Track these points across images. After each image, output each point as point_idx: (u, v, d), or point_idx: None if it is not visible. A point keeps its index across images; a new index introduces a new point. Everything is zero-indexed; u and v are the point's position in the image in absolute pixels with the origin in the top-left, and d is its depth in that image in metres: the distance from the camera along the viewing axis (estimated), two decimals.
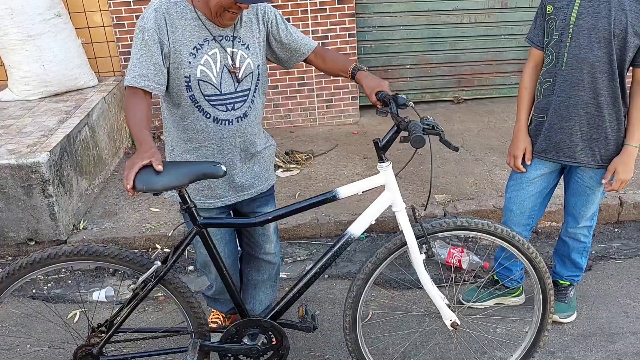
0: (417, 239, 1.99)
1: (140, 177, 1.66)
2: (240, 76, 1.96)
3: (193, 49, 1.89)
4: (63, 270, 3.23)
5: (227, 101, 1.97)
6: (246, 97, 2.00)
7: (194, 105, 1.95)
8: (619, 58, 2.14)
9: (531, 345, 2.20)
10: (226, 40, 1.93)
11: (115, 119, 4.49)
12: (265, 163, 2.21)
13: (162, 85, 1.87)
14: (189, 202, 1.85)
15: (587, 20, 2.12)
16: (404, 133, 1.88)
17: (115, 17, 4.64)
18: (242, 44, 1.96)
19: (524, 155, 2.43)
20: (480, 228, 2.03)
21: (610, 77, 2.16)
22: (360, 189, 1.96)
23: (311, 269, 2.01)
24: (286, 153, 4.42)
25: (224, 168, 1.80)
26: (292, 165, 4.27)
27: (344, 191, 1.94)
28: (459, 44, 5.25)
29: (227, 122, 1.99)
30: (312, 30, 4.81)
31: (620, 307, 2.75)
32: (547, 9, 2.23)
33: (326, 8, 4.75)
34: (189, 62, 1.88)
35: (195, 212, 1.86)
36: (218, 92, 1.94)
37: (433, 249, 2.02)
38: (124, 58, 4.75)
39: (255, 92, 2.03)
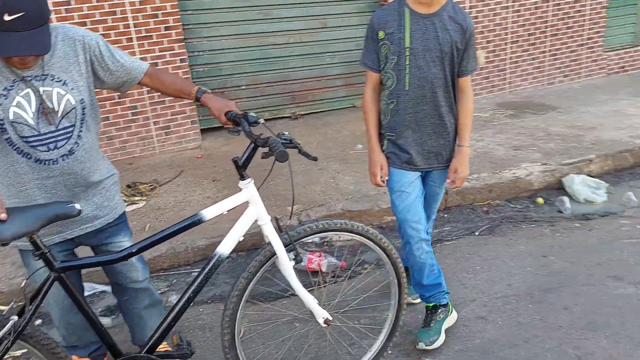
0: (285, 247, 2.08)
1: None
2: (59, 115, 1.87)
3: (3, 90, 1.79)
4: None
5: (48, 141, 1.88)
6: (70, 134, 1.92)
7: (12, 147, 1.85)
8: (450, 72, 2.36)
9: (393, 327, 2.42)
10: (36, 80, 1.83)
11: None
12: (108, 193, 2.12)
13: None
14: (43, 247, 1.73)
15: (420, 43, 2.28)
16: (262, 150, 1.95)
17: None
18: (56, 81, 1.87)
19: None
20: (340, 227, 2.19)
21: (445, 89, 2.38)
22: (225, 208, 1.98)
23: (183, 295, 1.98)
24: (128, 186, 4.26)
25: (77, 207, 1.72)
26: (136, 198, 4.12)
27: (209, 213, 1.94)
28: (289, 63, 5.52)
29: (51, 161, 1.90)
30: (140, 59, 4.71)
31: (459, 281, 3.14)
32: (379, 35, 2.32)
33: (152, 35, 4.70)
34: (0, 105, 1.78)
35: (51, 257, 1.75)
36: (36, 133, 1.86)
37: (301, 254, 2.12)
38: None
39: (81, 127, 1.95)
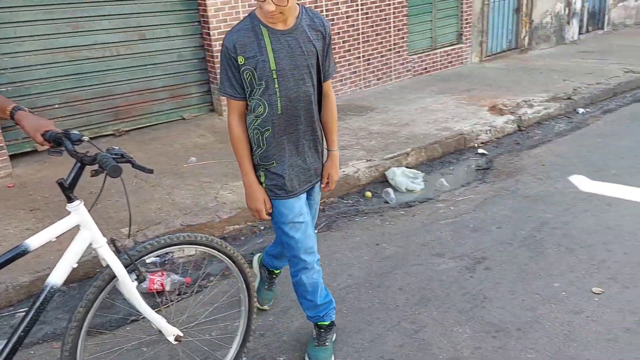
0: (125, 267, 1.97)
1: None
2: None
3: None
4: None
5: None
6: None
7: None
8: (317, 82, 2.26)
9: (245, 333, 2.42)
10: None
11: None
12: None
13: None
14: None
15: (287, 63, 2.12)
16: (91, 167, 1.83)
17: None
18: None
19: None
20: (183, 240, 2.14)
21: (317, 102, 2.29)
22: (54, 234, 1.84)
23: (12, 336, 1.80)
24: None
25: None
26: None
27: (34, 241, 1.79)
28: (107, 78, 5.21)
29: None
30: None
31: None
32: (239, 60, 2.09)
33: None
34: None
35: None
36: None
37: (144, 274, 2.02)
38: None
39: None
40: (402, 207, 4.24)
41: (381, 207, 4.27)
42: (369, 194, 4.52)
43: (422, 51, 7.75)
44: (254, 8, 2.19)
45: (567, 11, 9.83)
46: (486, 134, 5.66)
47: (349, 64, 6.83)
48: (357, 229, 3.88)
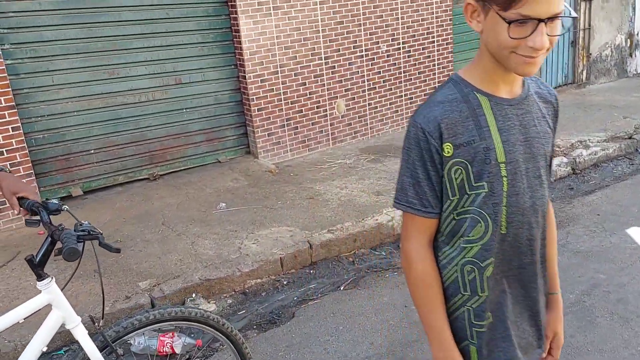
0: (101, 350, 1.83)
1: None
2: None
3: None
4: None
5: None
6: None
7: None
8: (548, 183, 1.42)
9: None
10: None
11: None
12: None
13: None
14: None
15: (520, 150, 1.32)
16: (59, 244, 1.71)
17: None
18: None
19: None
20: (175, 316, 1.98)
21: (546, 215, 1.42)
22: (21, 316, 1.74)
23: None
24: None
25: None
26: None
27: (1, 323, 1.70)
28: (143, 122, 5.23)
29: None
30: None
31: (321, 345, 2.99)
32: (445, 151, 1.27)
33: None
34: None
35: None
36: None
37: (122, 357, 1.87)
38: None
39: None
40: None
41: None
42: None
43: None
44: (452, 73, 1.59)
45: (628, 43, 9.26)
46: None
47: (390, 103, 6.62)
48: (386, 287, 3.60)
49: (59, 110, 4.77)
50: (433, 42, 6.79)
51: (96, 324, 1.83)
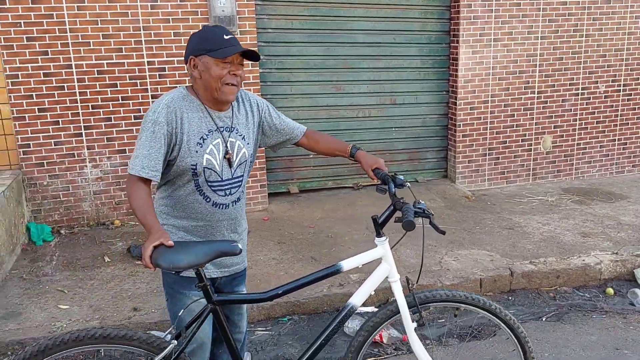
0: (409, 308, 2.12)
1: (163, 256, 1.75)
2: (235, 164, 2.11)
3: (200, 139, 2.03)
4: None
5: (226, 187, 2.12)
6: (240, 183, 2.17)
7: (197, 189, 2.07)
8: None
9: None
10: (227, 131, 2.10)
11: (13, 213, 4.25)
12: (244, 243, 2.32)
13: (160, 175, 2.00)
14: (205, 279, 1.90)
15: None
16: (398, 213, 2.04)
17: (16, 109, 4.52)
18: (239, 135, 2.13)
19: None
20: (464, 300, 2.16)
21: None
22: (361, 261, 2.10)
23: (315, 341, 2.09)
24: None
25: (240, 246, 1.89)
26: None
27: (346, 264, 2.07)
28: (356, 136, 5.71)
29: (224, 206, 2.13)
30: None
31: None
32: None
33: None
34: (197, 152, 2.02)
35: (210, 290, 1.92)
36: (219, 179, 2.09)
37: (424, 318, 2.12)
38: (22, 151, 4.58)
39: (247, 178, 2.22)
40: None
41: (625, 309, 3.78)
42: (611, 290, 4.04)
43: None
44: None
45: None
46: None
47: (601, 146, 6.31)
48: (594, 327, 3.49)
49: (292, 116, 5.41)
50: None
51: (410, 285, 2.12)
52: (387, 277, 2.13)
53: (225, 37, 1.99)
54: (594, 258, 4.23)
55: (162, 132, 1.96)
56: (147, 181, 1.96)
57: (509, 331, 2.24)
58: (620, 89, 6.21)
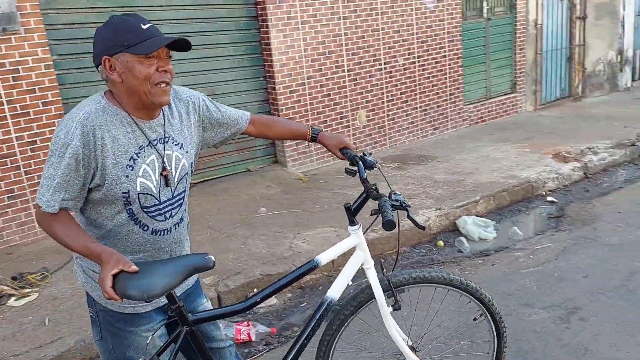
0: (384, 292, 2.08)
1: (131, 284, 1.48)
2: (176, 180, 1.78)
3: (130, 160, 1.66)
4: None
5: (166, 209, 1.77)
6: (182, 201, 1.84)
7: (131, 219, 1.71)
8: None
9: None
10: (161, 143, 1.73)
11: None
12: None
13: (82, 203, 1.68)
14: (178, 300, 1.68)
15: None
16: (372, 203, 1.99)
17: None
18: (175, 144, 1.78)
19: None
20: (440, 280, 2.20)
21: None
22: (337, 252, 2.03)
23: (297, 341, 2.01)
24: (14, 278, 3.80)
25: (213, 258, 1.66)
26: (26, 290, 3.68)
27: (323, 258, 1.99)
28: None
29: (165, 231, 1.79)
30: (16, 137, 4.33)
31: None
32: None
33: (29, 111, 4.35)
34: (127, 176, 1.66)
35: (184, 311, 1.72)
36: (157, 202, 1.74)
37: (400, 303, 2.10)
38: None
39: (188, 192, 1.90)
40: (478, 256, 4.16)
41: (456, 257, 4.19)
42: (441, 242, 4.46)
43: (477, 101, 7.78)
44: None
45: (619, 58, 9.76)
46: (553, 181, 5.56)
47: (407, 115, 6.90)
48: None
49: None
50: (445, 56, 7.12)
51: (384, 270, 2.09)
52: (362, 265, 2.09)
53: (144, 26, 1.62)
54: (422, 217, 4.60)
55: (77, 157, 1.58)
56: (56, 214, 1.61)
57: (482, 307, 2.28)
58: (415, 61, 6.84)
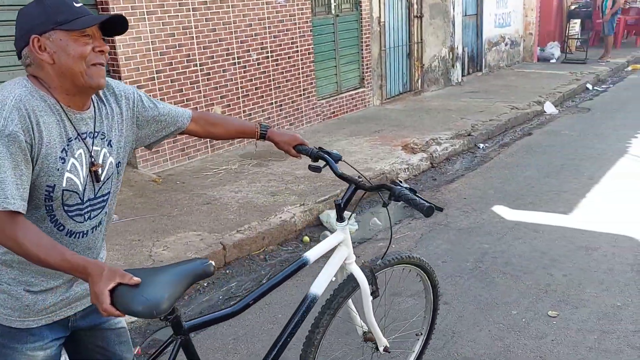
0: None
1: (135, 299, 1.33)
2: (101, 180, 1.62)
3: (62, 151, 1.51)
4: None
5: (86, 210, 1.60)
6: (104, 203, 1.67)
7: (48, 215, 1.54)
8: None
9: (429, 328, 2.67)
10: (90, 137, 1.59)
11: None
12: None
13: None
14: (176, 310, 1.57)
15: None
16: (383, 197, 2.00)
17: None
18: (105, 141, 1.63)
19: None
20: (408, 261, 2.36)
21: None
22: (325, 249, 2.06)
23: (279, 338, 1.98)
24: None
25: (213, 263, 1.57)
26: None
27: (312, 255, 2.00)
28: None
29: (81, 234, 1.61)
30: None
31: (266, 333, 3.07)
32: None
33: None
34: (57, 169, 1.50)
35: (181, 319, 1.62)
36: (79, 201, 1.58)
37: (378, 290, 2.20)
38: None
39: (113, 196, 1.71)
40: None
41: None
42: (307, 238, 4.46)
43: (329, 96, 7.95)
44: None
45: (451, 55, 10.68)
46: (405, 172, 5.87)
47: (262, 110, 6.81)
48: (306, 275, 3.77)
49: None
50: (297, 51, 7.16)
51: (363, 261, 2.19)
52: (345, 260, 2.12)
53: (76, 4, 1.51)
54: (287, 213, 4.56)
55: (20, 145, 1.40)
56: (17, 215, 1.39)
57: (423, 274, 2.46)
58: (269, 56, 6.76)
